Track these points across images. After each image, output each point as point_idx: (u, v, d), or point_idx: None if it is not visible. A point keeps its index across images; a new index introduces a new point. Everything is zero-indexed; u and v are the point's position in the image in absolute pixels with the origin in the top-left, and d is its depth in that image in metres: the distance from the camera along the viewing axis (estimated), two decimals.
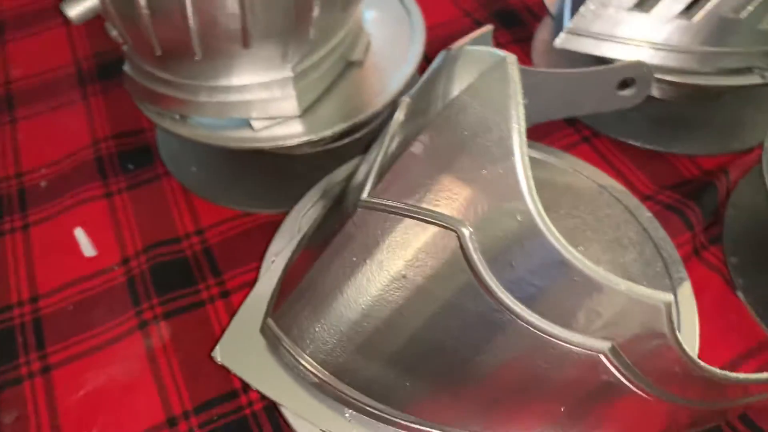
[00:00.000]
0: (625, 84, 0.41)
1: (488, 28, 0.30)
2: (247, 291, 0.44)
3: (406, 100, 0.28)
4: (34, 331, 0.43)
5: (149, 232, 0.47)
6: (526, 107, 0.39)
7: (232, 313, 0.43)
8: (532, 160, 0.39)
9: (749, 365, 0.38)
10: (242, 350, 0.32)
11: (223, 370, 0.40)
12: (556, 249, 0.22)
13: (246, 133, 0.43)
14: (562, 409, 0.26)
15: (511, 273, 0.23)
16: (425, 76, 0.29)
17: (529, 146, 0.40)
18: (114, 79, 0.58)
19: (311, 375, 0.29)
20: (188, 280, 0.45)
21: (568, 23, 0.46)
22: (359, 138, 0.48)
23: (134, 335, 0.42)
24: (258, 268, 0.45)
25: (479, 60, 0.24)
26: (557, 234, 0.22)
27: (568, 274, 0.22)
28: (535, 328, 0.23)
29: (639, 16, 0.44)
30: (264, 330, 0.32)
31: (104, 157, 0.52)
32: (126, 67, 0.44)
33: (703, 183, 0.47)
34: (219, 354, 0.32)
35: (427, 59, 0.48)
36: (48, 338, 0.42)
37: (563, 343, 0.23)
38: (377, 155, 0.27)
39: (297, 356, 0.30)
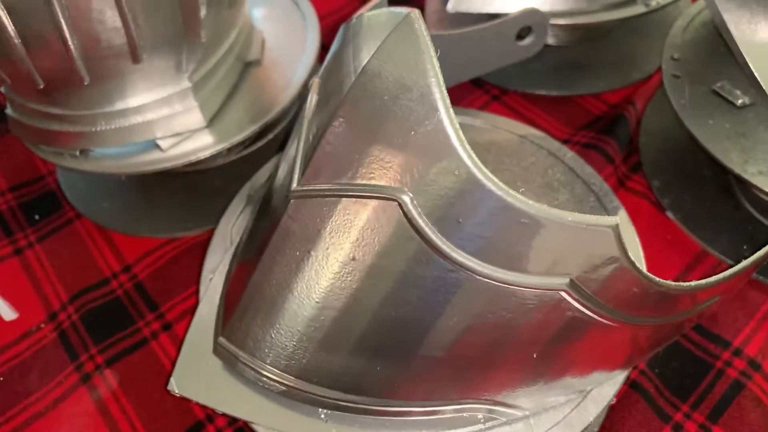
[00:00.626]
0: (522, 34, 0.41)
1: None
2: (190, 318, 0.42)
3: (315, 81, 0.27)
4: None
5: (72, 279, 0.44)
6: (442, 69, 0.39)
7: (179, 344, 0.41)
8: None
9: (692, 278, 0.40)
10: (198, 376, 0.31)
11: (182, 403, 0.38)
12: (499, 196, 0.22)
13: (155, 155, 0.41)
14: (534, 356, 0.25)
15: (459, 230, 0.23)
16: (330, 54, 0.28)
17: None
18: None
19: (276, 384, 0.28)
20: (125, 321, 0.42)
21: None
22: (272, 139, 0.47)
23: (78, 390, 0.39)
24: (196, 292, 0.43)
25: (382, 23, 0.23)
26: (497, 181, 0.22)
27: (515, 219, 0.22)
28: (493, 279, 0.23)
29: None
30: (217, 350, 0.30)
31: (4, 212, 0.48)
32: (9, 111, 0.41)
33: (613, 117, 0.48)
34: (175, 385, 0.30)
35: (324, 49, 0.47)
36: None
37: (524, 288, 0.23)
38: (298, 144, 0.26)
39: (258, 368, 0.28)
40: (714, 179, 0.44)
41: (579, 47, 0.54)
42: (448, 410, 0.28)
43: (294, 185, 0.25)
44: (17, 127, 0.41)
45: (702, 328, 0.38)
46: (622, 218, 0.34)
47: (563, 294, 0.23)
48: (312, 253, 0.25)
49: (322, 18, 0.49)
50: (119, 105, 0.38)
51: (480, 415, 0.28)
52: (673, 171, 0.45)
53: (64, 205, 0.48)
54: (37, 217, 0.48)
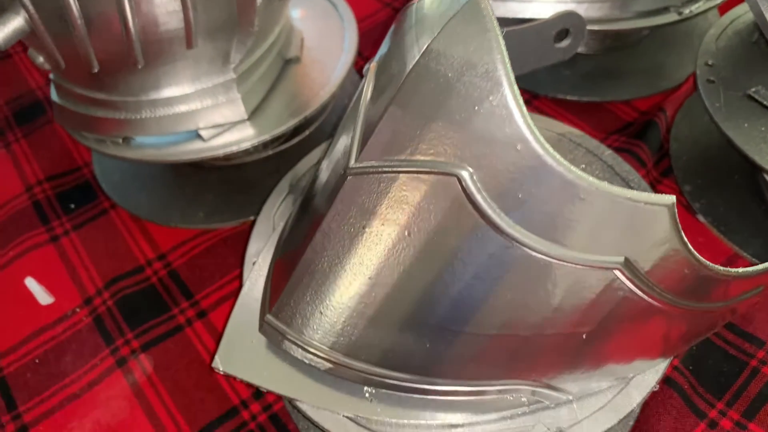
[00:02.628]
0: (560, 36, 0.42)
1: None
2: (225, 306, 0.42)
3: (372, 65, 0.28)
4: (1, 394, 0.39)
5: (107, 267, 0.45)
6: None
7: (214, 332, 0.41)
8: None
9: None
10: (242, 355, 0.31)
11: (218, 390, 0.39)
12: (560, 172, 0.22)
13: (196, 145, 0.42)
14: (584, 336, 0.26)
15: (518, 205, 0.23)
16: (387, 41, 0.29)
17: None
18: (34, 121, 0.55)
19: (323, 361, 0.28)
20: (160, 308, 0.42)
21: None
22: (307, 136, 0.48)
23: (114, 374, 0.40)
24: (238, 277, 0.43)
25: (446, 7, 0.24)
26: (559, 157, 0.22)
27: (574, 195, 0.22)
28: (549, 256, 0.23)
29: None
30: (264, 328, 0.30)
31: (41, 201, 0.49)
32: (55, 97, 0.42)
33: (643, 123, 0.49)
34: (220, 363, 0.31)
35: (359, 53, 0.48)
36: (18, 398, 0.39)
37: (579, 266, 0.24)
38: (355, 126, 0.27)
39: (305, 345, 0.29)
40: (745, 184, 0.44)
41: (609, 56, 0.54)
42: (493, 391, 0.28)
43: (352, 162, 0.26)
44: (62, 113, 0.42)
45: (735, 326, 0.38)
46: None
47: (617, 273, 0.24)
48: (367, 229, 0.26)
49: (357, 22, 0.50)
50: (165, 93, 0.39)
51: (524, 398, 0.28)
52: (704, 176, 0.45)
53: (100, 195, 0.49)
54: (72, 206, 0.49)
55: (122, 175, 0.50)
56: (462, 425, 0.29)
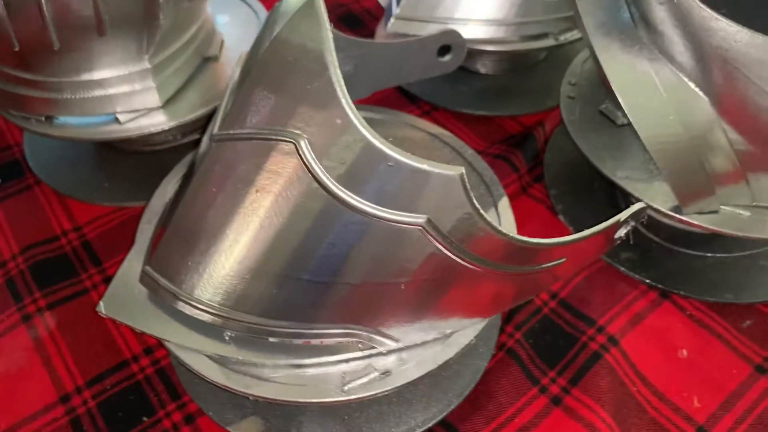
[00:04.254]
0: (443, 51, 0.48)
1: None
2: None
3: (243, 52, 0.33)
4: None
5: (25, 236, 0.49)
6: (361, 76, 0.45)
7: None
8: (374, 121, 0.45)
9: None
10: (125, 301, 0.35)
11: (113, 345, 0.43)
12: (369, 139, 0.27)
13: (113, 127, 0.46)
14: (402, 287, 0.31)
15: (341, 169, 0.28)
16: (259, 31, 0.34)
17: (373, 110, 0.46)
18: None
19: (189, 306, 0.33)
20: (70, 273, 0.46)
21: (396, 10, 0.53)
22: None
23: (18, 329, 0.43)
24: None
25: (296, 5, 0.29)
26: (368, 127, 0.27)
27: (382, 161, 0.28)
28: (365, 214, 0.29)
29: None
30: (143, 278, 0.35)
31: None
32: None
33: (524, 135, 0.55)
34: (103, 307, 0.35)
35: None
36: None
37: (389, 222, 0.29)
38: (223, 101, 0.32)
39: (175, 293, 0.33)
40: (602, 190, 0.50)
41: (505, 76, 0.61)
42: (334, 334, 0.33)
43: (215, 130, 0.31)
44: None
45: (574, 308, 0.43)
46: (503, 203, 0.40)
47: (421, 230, 0.29)
48: (224, 189, 0.31)
49: None
50: (85, 76, 0.43)
51: (360, 344, 0.33)
52: (569, 182, 0.51)
53: (26, 172, 0.53)
54: (0, 181, 0.53)
55: (50, 154, 0.54)
56: (307, 365, 0.33)
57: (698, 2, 0.34)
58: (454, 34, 0.47)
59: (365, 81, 0.46)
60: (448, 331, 0.34)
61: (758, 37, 0.34)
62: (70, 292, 0.45)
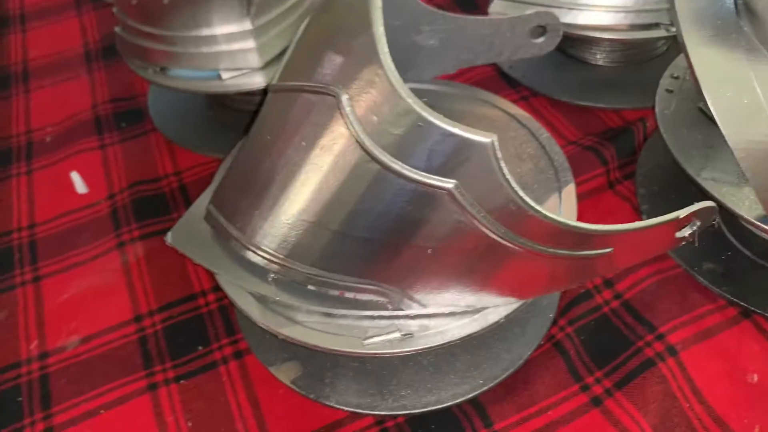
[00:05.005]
0: (536, 33, 0.46)
1: None
2: None
3: (310, 15, 0.35)
4: (29, 251, 0.49)
5: (135, 173, 0.54)
6: (447, 51, 0.45)
7: None
8: (451, 96, 0.45)
9: (651, 268, 0.43)
10: (190, 234, 0.38)
11: (186, 279, 0.46)
12: (404, 99, 0.28)
13: (215, 82, 0.50)
14: (429, 251, 0.31)
15: (376, 125, 0.29)
16: None
17: (453, 85, 0.46)
18: (115, 58, 0.66)
19: (241, 245, 0.35)
20: (164, 210, 0.51)
21: None
22: None
23: (112, 253, 0.49)
24: None
25: None
26: (405, 87, 0.28)
27: (414, 121, 0.28)
28: (396, 173, 0.29)
29: None
30: (206, 215, 0.38)
31: (101, 117, 0.60)
32: (117, 29, 0.52)
33: (622, 129, 0.52)
34: (170, 237, 0.38)
35: None
36: (40, 256, 0.49)
37: (418, 185, 0.29)
38: (287, 55, 0.33)
39: (229, 232, 0.36)
40: (697, 197, 0.46)
41: (616, 69, 0.58)
42: (366, 290, 0.34)
43: (274, 81, 0.33)
44: (120, 42, 0.52)
45: (636, 311, 0.41)
46: (568, 189, 0.38)
47: (449, 195, 0.29)
48: (276, 137, 0.33)
49: None
50: (194, 32, 0.47)
51: (389, 304, 0.34)
52: (662, 183, 0.48)
53: (146, 119, 0.59)
54: (124, 124, 0.59)
55: (166, 105, 0.60)
56: (337, 315, 0.34)
57: None
58: (549, 15, 0.45)
59: (451, 56, 0.46)
60: (479, 306, 0.34)
61: None
62: (160, 228, 0.50)
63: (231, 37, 0.48)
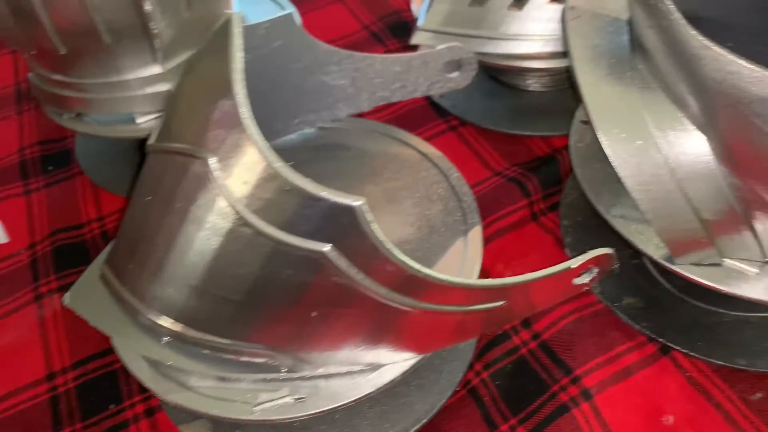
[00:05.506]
0: (451, 68, 0.46)
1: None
2: None
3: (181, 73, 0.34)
4: None
5: (57, 220, 0.53)
6: (360, 90, 0.44)
7: None
8: (369, 135, 0.45)
9: (571, 305, 0.42)
10: (91, 294, 0.37)
11: (102, 333, 0.45)
12: (267, 162, 0.27)
13: (130, 126, 0.49)
14: (314, 314, 0.30)
15: (246, 190, 0.28)
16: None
17: (370, 124, 0.46)
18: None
19: (130, 307, 0.34)
20: (83, 259, 0.50)
21: (421, 22, 0.52)
22: None
23: (29, 307, 0.47)
24: None
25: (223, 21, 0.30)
26: (269, 149, 0.27)
27: (281, 185, 0.27)
28: (270, 238, 0.28)
29: (477, 11, 0.50)
30: (101, 276, 0.37)
31: (28, 160, 0.58)
32: (30, 75, 0.51)
33: (548, 158, 0.51)
34: (68, 298, 0.37)
35: None
36: None
37: (294, 249, 0.28)
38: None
39: (120, 292, 0.34)
40: None
41: (547, 94, 0.57)
42: (257, 353, 0.32)
43: (150, 141, 0.32)
44: (34, 89, 0.51)
45: (554, 353, 0.40)
46: (475, 232, 0.38)
47: (324, 259, 0.28)
48: (155, 200, 0.32)
49: (334, 42, 0.56)
50: (103, 79, 0.46)
51: (284, 367, 0.33)
52: (585, 214, 0.47)
53: (73, 163, 0.58)
54: (50, 168, 0.58)
55: (92, 148, 0.58)
56: (231, 379, 0.33)
57: (688, 27, 0.30)
58: (462, 50, 0.45)
59: (364, 95, 0.45)
60: (378, 363, 0.33)
61: (756, 70, 0.29)
62: (77, 278, 0.49)
63: (143, 81, 0.47)
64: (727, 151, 0.32)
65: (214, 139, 0.28)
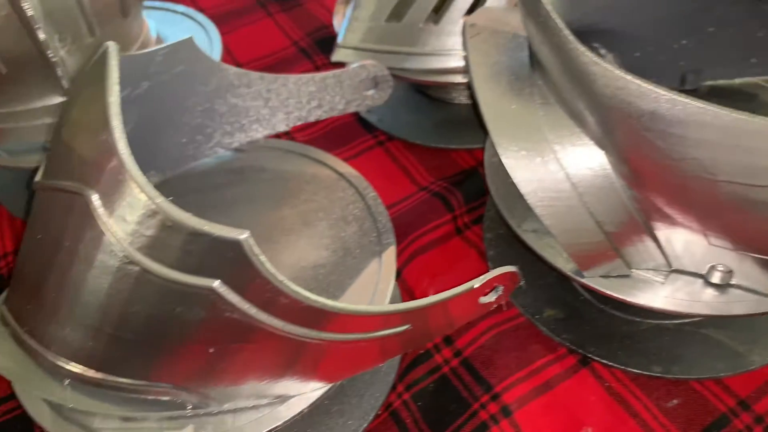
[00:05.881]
0: (370, 85, 0.45)
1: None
2: None
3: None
4: None
5: None
6: (275, 111, 0.44)
7: None
8: (287, 156, 0.44)
9: (492, 320, 0.42)
10: None
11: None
12: (147, 198, 0.26)
13: (38, 156, 0.47)
14: (211, 350, 0.29)
15: (129, 227, 0.27)
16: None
17: (287, 145, 0.45)
18: None
19: (28, 347, 0.33)
20: None
21: (339, 39, 0.51)
22: None
23: None
24: None
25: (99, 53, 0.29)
26: (148, 185, 0.26)
27: (162, 221, 0.26)
28: (156, 274, 0.27)
29: (395, 27, 0.50)
30: (0, 315, 0.35)
31: None
32: None
33: (473, 171, 0.51)
34: None
35: None
36: None
37: (182, 286, 0.27)
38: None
39: (19, 333, 0.33)
40: None
41: (472, 106, 0.57)
42: (159, 391, 0.31)
43: (37, 178, 0.30)
44: None
45: (475, 370, 0.40)
46: (389, 253, 0.37)
47: (214, 294, 0.27)
48: (45, 238, 0.30)
49: (262, 58, 0.56)
50: (6, 108, 0.45)
51: (189, 404, 0.32)
52: (507, 227, 0.47)
53: None
54: None
55: (12, 179, 0.57)
56: (135, 418, 0.32)
57: (578, 44, 0.30)
58: (377, 67, 0.44)
59: (280, 116, 0.44)
60: (287, 394, 0.32)
61: (642, 85, 0.29)
62: None
63: (49, 110, 0.45)
64: (625, 164, 0.33)
65: (96, 175, 0.27)
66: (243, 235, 0.26)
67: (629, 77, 0.29)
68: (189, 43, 0.38)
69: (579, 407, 0.38)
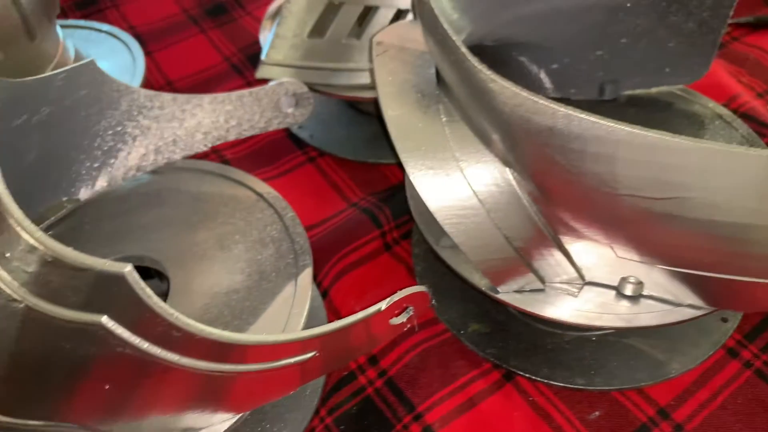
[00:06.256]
0: (290, 103, 0.45)
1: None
2: None
3: None
4: None
5: None
6: (191, 131, 0.43)
7: None
8: (206, 177, 0.43)
9: (417, 337, 0.42)
10: None
11: None
12: (27, 232, 0.25)
13: None
14: (107, 387, 0.28)
15: (9, 263, 0.26)
16: None
17: (207, 166, 0.44)
18: None
19: None
20: None
21: (263, 55, 0.51)
22: None
23: None
24: None
25: None
26: (24, 219, 0.25)
27: (42, 256, 0.25)
28: (43, 313, 0.26)
29: (318, 43, 0.49)
30: None
31: None
32: None
33: (401, 186, 0.51)
34: None
35: None
36: None
37: (68, 323, 0.26)
38: None
39: None
40: None
41: None
42: (64, 430, 0.30)
43: None
44: None
45: (399, 390, 0.39)
46: (305, 275, 0.37)
47: (103, 329, 0.26)
48: None
49: (194, 75, 0.55)
50: None
51: None
52: None
53: None
54: None
55: None
56: None
57: (476, 61, 0.30)
58: (295, 84, 0.44)
59: (198, 135, 0.43)
60: (190, 429, 0.31)
61: (538, 102, 0.29)
62: None
63: None
64: (529, 180, 0.33)
65: None
66: (126, 269, 0.25)
67: (525, 94, 0.29)
68: (91, 65, 0.37)
69: (502, 424, 0.38)
